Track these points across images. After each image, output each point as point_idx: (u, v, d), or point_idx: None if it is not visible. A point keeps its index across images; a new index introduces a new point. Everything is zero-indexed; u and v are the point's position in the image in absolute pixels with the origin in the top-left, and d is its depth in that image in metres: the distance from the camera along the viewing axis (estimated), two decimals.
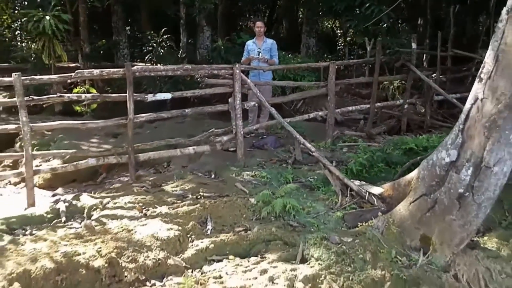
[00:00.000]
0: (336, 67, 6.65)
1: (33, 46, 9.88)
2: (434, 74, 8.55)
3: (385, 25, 8.94)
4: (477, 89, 3.89)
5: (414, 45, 7.35)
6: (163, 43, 11.73)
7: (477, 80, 3.92)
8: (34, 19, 8.25)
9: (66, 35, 8.86)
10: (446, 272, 4.03)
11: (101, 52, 12.66)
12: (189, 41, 12.60)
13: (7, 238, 3.80)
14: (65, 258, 3.49)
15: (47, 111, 9.17)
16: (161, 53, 11.36)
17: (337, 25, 14.62)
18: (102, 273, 3.53)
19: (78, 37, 10.97)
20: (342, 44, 13.65)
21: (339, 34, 15.03)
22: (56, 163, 5.97)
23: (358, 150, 5.90)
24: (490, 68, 3.76)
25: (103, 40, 13.32)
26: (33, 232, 4.00)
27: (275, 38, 8.29)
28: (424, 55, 10.31)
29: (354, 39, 12.27)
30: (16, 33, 13.09)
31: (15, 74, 4.52)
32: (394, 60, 7.59)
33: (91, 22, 12.78)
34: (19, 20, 12.39)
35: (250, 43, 7.48)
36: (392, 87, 9.11)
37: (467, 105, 3.99)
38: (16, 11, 12.85)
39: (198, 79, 5.67)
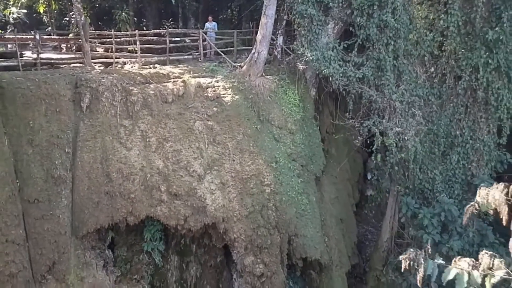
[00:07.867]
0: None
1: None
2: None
3: None
4: (259, 32, 15.29)
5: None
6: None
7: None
8: (118, 13, 19.29)
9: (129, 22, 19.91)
10: (254, 82, 15.42)
11: None
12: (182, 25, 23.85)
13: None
14: (154, 71, 14.84)
15: None
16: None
17: None
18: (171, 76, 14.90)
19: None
20: None
21: None
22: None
23: None
24: (262, 23, 15.16)
25: (141, 25, 24.52)
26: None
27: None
28: None
29: None
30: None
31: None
32: None
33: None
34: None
35: (207, 24, 18.90)
36: None
37: (257, 37, 15.39)
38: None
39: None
